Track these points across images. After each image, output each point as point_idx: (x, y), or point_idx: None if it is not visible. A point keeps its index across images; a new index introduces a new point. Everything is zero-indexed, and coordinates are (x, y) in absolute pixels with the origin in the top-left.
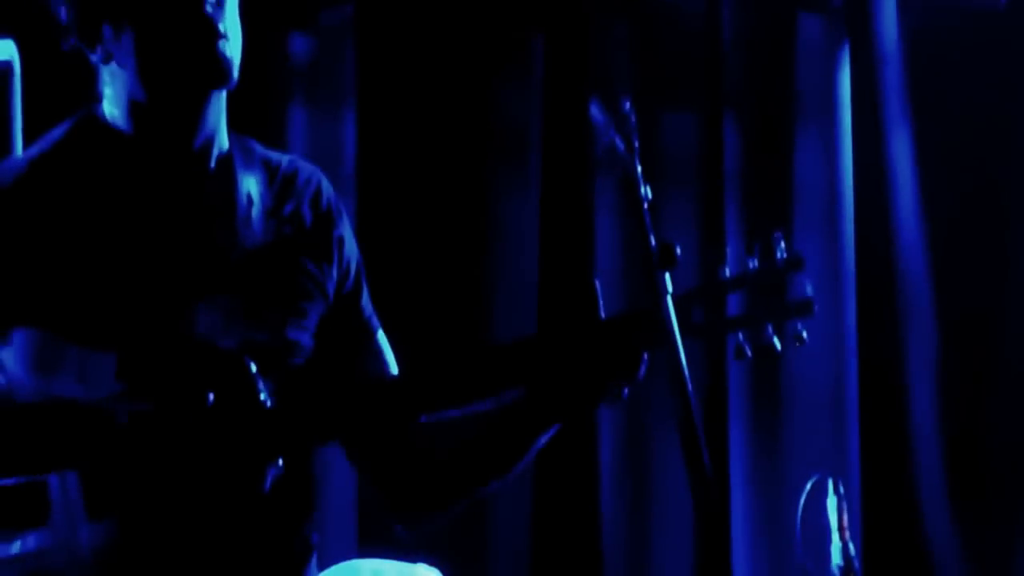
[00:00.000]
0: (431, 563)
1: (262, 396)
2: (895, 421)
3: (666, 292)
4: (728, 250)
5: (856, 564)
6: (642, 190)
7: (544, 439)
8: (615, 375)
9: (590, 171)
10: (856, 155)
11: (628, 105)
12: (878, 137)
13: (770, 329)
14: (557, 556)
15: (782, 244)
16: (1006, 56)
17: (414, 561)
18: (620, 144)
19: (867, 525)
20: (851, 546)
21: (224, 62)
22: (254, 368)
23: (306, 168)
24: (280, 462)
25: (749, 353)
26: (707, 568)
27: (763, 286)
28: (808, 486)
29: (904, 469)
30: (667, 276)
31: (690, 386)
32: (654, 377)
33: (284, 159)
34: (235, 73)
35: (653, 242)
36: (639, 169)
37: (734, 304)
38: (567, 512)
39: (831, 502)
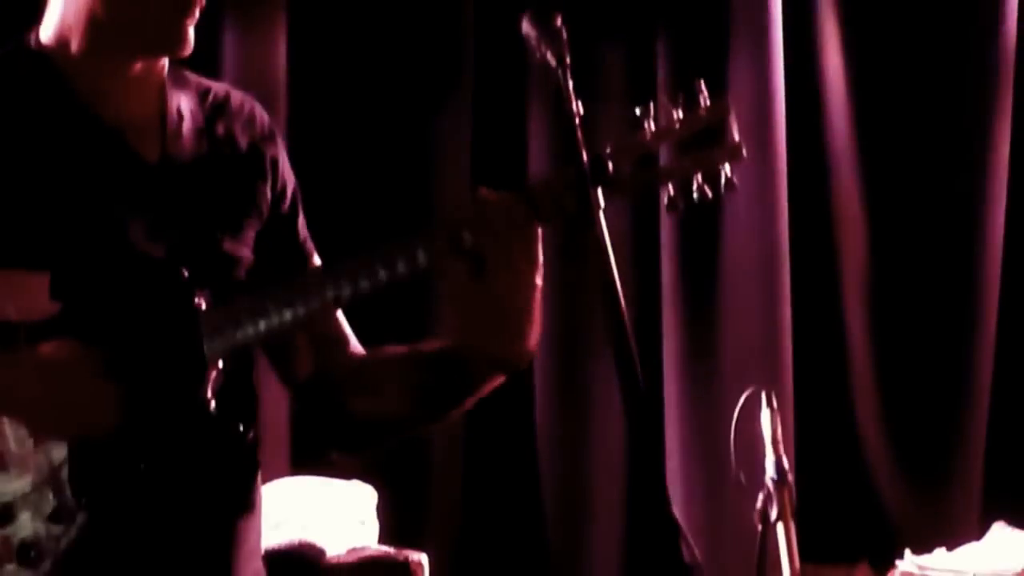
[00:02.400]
0: (365, 481)
1: (196, 301)
2: (828, 332)
3: (598, 207)
4: (652, 104)
5: (790, 476)
6: (574, 105)
7: (484, 386)
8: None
9: (523, 87)
10: (788, 71)
11: (560, 20)
12: (811, 53)
13: (701, 178)
14: (492, 471)
15: (705, 92)
16: None
17: (348, 479)
18: (552, 59)
19: (801, 437)
20: (784, 459)
21: (187, 38)
22: (187, 275)
23: (239, 95)
24: (220, 365)
25: (682, 205)
26: (641, 482)
27: (690, 136)
28: (741, 399)
29: (837, 380)
30: (599, 191)
31: (622, 299)
32: (587, 292)
33: (218, 85)
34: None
35: (585, 157)
36: (570, 84)
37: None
38: (501, 427)
39: (765, 415)
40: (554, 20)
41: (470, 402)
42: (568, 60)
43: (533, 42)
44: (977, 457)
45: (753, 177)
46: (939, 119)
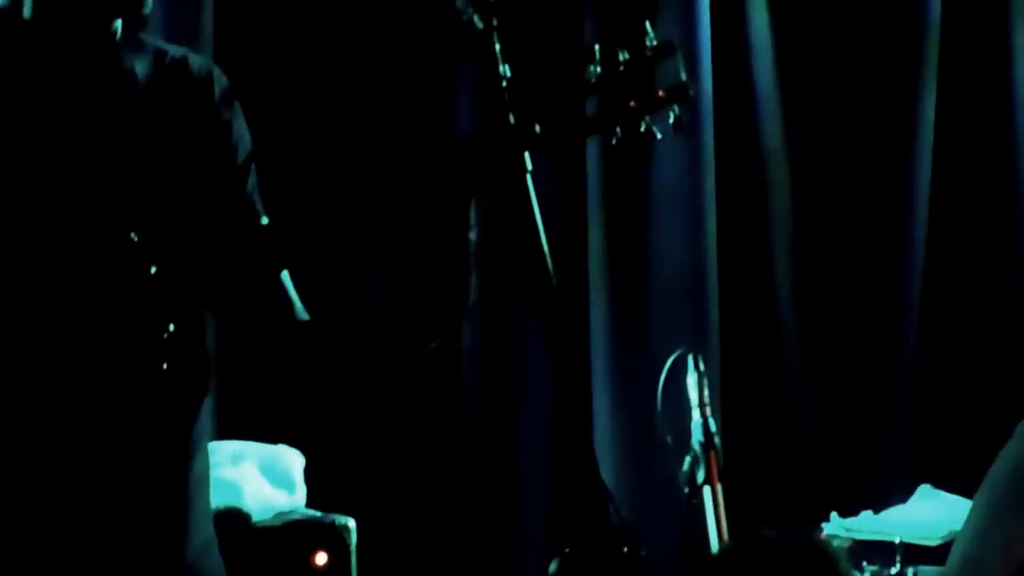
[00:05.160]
0: (292, 445)
1: (146, 265)
2: (756, 294)
3: (525, 170)
4: (597, 48)
5: (717, 440)
6: (501, 68)
7: (417, 350)
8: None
9: (450, 50)
10: (715, 25)
11: None
12: (738, 8)
13: (649, 120)
14: (419, 437)
15: (651, 33)
16: None
17: (275, 443)
18: (479, 22)
19: (728, 400)
20: (712, 421)
21: None
22: (136, 238)
23: (198, 59)
24: (172, 328)
25: (630, 147)
26: (568, 446)
27: (635, 78)
28: (669, 362)
29: (765, 342)
30: (527, 154)
31: (550, 262)
32: (515, 255)
33: (177, 49)
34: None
35: (512, 120)
36: (498, 48)
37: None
38: (428, 393)
39: (692, 378)
40: None
41: (405, 366)
42: (495, 22)
43: (460, 5)
44: (903, 419)
45: (680, 135)
46: (865, 76)
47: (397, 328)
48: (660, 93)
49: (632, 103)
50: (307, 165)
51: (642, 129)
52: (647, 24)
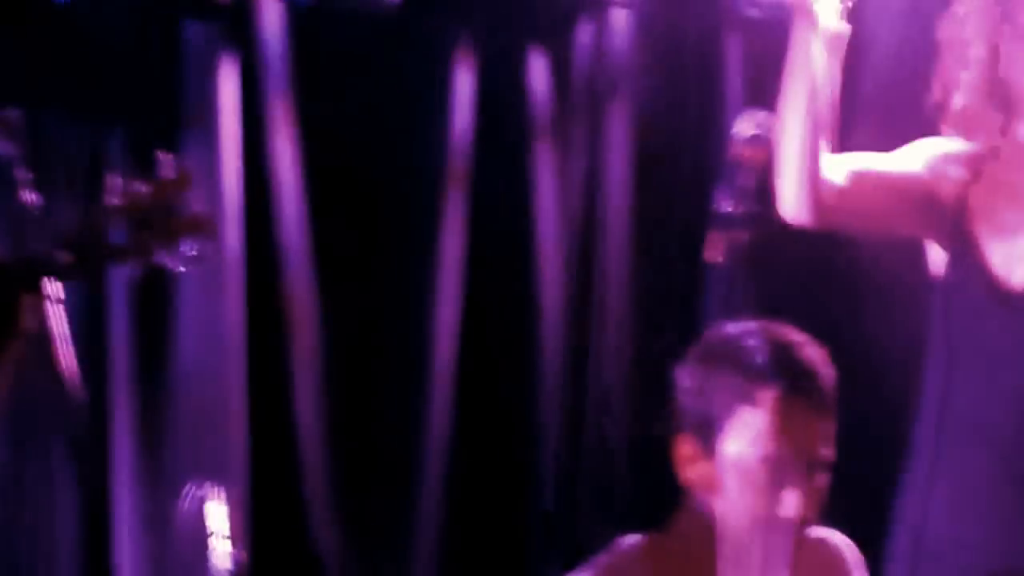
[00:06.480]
0: None
1: None
2: (281, 425)
3: (47, 298)
4: (113, 180)
5: (243, 569)
6: (27, 196)
7: None
8: None
9: None
10: (243, 163)
11: (17, 112)
12: (263, 145)
13: (165, 252)
14: None
15: (170, 164)
16: (401, 55)
17: None
18: (6, 150)
19: (254, 529)
20: (236, 551)
21: None
22: None
23: None
24: None
25: (149, 278)
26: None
27: (152, 210)
28: (191, 492)
29: (290, 474)
30: (49, 282)
31: (74, 388)
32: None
33: None
34: None
35: (33, 247)
36: (25, 176)
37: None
38: None
39: (215, 507)
40: (10, 112)
41: None
42: (23, 152)
43: None
44: (430, 555)
45: (207, 270)
46: (394, 211)
47: None
48: (181, 223)
49: (153, 233)
50: None
51: (164, 258)
52: (170, 155)
